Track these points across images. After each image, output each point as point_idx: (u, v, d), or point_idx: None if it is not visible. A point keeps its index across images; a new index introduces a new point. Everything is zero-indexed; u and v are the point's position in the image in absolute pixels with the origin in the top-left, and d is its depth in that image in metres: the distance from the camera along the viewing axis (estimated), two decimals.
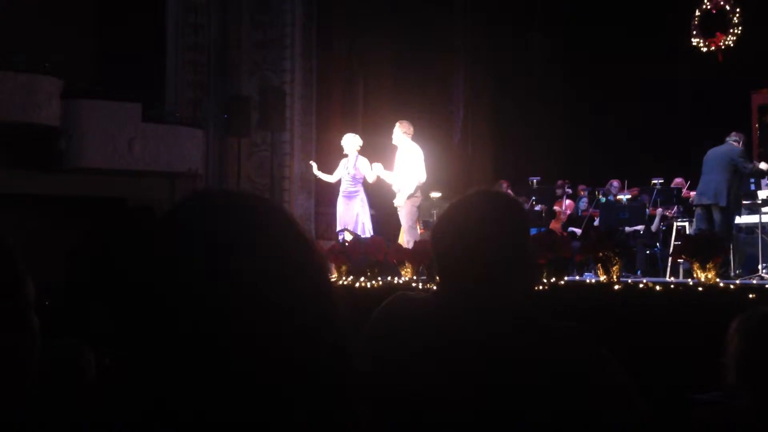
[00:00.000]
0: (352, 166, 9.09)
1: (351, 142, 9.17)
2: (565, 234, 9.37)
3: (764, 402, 1.77)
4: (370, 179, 9.02)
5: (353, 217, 9.04)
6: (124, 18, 10.04)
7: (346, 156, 9.20)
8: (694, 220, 8.93)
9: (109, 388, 0.95)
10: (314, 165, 9.67)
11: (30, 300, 1.19)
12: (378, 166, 8.94)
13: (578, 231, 10.14)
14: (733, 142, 8.59)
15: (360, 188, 9.11)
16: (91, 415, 0.90)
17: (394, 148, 8.95)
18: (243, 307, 0.88)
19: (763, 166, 9.01)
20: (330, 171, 9.40)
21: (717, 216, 8.36)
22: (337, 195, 9.32)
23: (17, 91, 8.68)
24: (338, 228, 9.24)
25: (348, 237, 8.83)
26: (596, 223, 10.04)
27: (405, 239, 8.50)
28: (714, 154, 8.56)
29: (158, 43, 10.61)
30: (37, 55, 8.96)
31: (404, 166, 8.69)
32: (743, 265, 8.58)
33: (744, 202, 8.94)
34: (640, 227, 9.68)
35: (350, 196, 9.10)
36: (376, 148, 9.58)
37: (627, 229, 9.53)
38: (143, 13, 10.35)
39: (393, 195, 8.83)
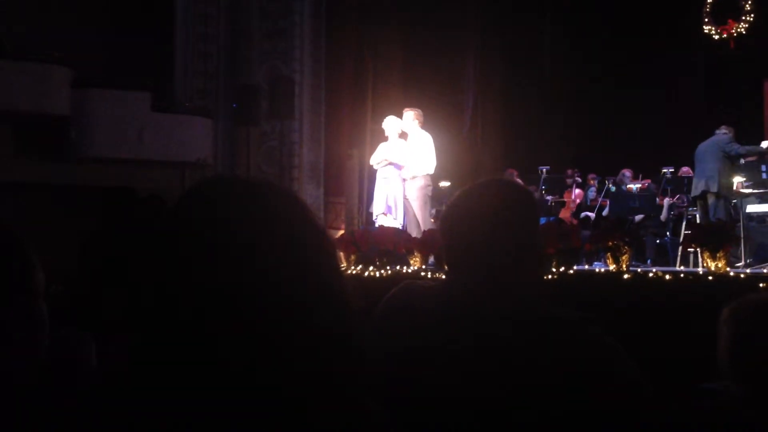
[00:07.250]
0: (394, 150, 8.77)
1: (393, 124, 8.85)
2: (575, 221, 9.33)
3: (758, 391, 1.76)
4: (401, 164, 8.80)
5: (393, 200, 8.71)
6: (133, 7, 10.05)
7: (386, 139, 8.91)
8: (697, 213, 8.92)
9: (110, 378, 0.95)
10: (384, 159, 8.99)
11: (39, 290, 1.19)
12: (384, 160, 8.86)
13: (591, 215, 10.12)
14: (722, 134, 8.66)
15: (399, 171, 8.75)
16: (91, 404, 0.90)
17: (404, 135, 8.88)
18: (253, 293, 0.88)
19: (764, 144, 8.99)
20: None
21: (712, 202, 8.40)
22: (347, 183, 9.22)
23: (28, 81, 8.71)
24: (375, 212, 8.91)
25: (385, 221, 8.55)
26: (605, 212, 10.01)
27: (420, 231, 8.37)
28: (703, 146, 8.74)
29: (168, 32, 10.61)
30: (47, 45, 8.97)
31: (414, 153, 8.62)
32: (754, 254, 8.55)
33: (755, 191, 8.90)
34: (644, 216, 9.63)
35: (388, 178, 8.78)
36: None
37: (636, 218, 9.49)
38: (153, 2, 10.36)
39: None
